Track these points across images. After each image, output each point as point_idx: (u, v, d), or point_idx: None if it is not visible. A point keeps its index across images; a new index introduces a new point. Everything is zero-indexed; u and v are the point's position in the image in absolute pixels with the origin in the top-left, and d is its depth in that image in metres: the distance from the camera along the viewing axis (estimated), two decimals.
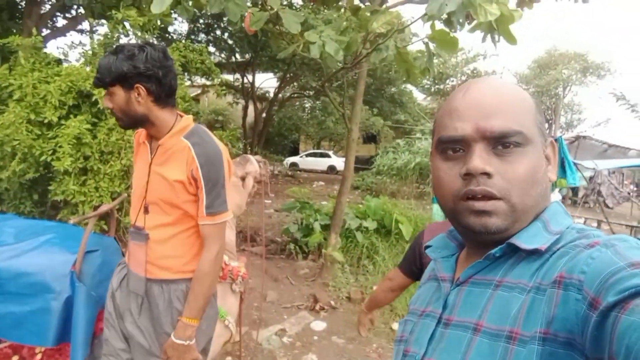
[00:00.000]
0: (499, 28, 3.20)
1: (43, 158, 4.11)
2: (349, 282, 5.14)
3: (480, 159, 0.67)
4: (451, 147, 0.71)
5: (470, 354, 0.64)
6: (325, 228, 5.80)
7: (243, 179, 2.26)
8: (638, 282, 0.49)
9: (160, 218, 1.61)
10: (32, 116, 4.23)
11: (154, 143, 1.64)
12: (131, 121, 1.61)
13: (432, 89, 22.93)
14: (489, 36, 3.36)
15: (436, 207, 6.50)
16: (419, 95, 23.01)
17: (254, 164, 2.32)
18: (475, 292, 0.70)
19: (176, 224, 1.61)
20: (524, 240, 0.67)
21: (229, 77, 17.39)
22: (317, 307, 4.40)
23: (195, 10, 3.32)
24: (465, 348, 0.65)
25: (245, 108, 17.75)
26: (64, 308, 1.78)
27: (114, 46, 1.60)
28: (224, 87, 15.77)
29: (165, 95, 1.59)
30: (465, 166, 0.68)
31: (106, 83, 1.55)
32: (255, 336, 3.51)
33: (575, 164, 8.04)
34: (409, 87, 18.86)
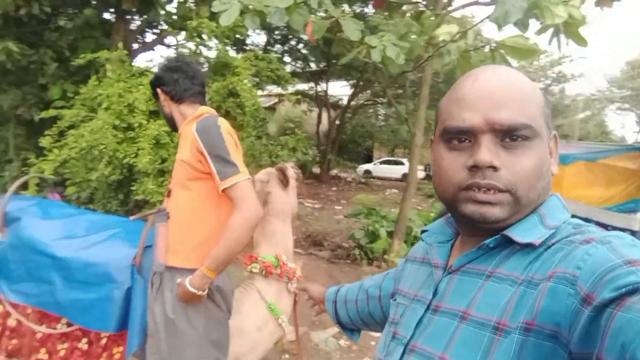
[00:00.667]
0: (567, 30, 3.01)
1: (126, 160, 4.48)
2: None
3: (488, 151, 0.66)
4: (457, 137, 0.70)
5: (454, 341, 0.65)
6: (391, 234, 5.74)
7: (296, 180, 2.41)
8: (635, 279, 0.49)
9: (174, 201, 1.76)
10: (117, 122, 4.64)
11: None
12: (168, 122, 1.88)
13: None
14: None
15: None
16: None
17: (291, 172, 2.42)
18: (466, 281, 0.70)
19: (184, 207, 1.74)
20: (519, 234, 0.66)
21: (303, 86, 17.83)
22: None
23: (260, 21, 3.45)
24: (451, 335, 0.65)
25: (319, 116, 18.08)
26: (124, 297, 1.91)
27: None
28: (298, 96, 16.21)
29: (178, 92, 1.81)
30: (472, 158, 0.67)
31: (157, 82, 1.86)
32: (312, 337, 3.56)
33: None
34: None
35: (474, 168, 0.67)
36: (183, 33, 5.90)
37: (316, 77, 16.77)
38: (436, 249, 0.81)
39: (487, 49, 3.57)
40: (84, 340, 2.00)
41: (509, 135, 0.66)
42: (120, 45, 5.46)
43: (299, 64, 16.78)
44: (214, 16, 5.90)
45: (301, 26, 3.49)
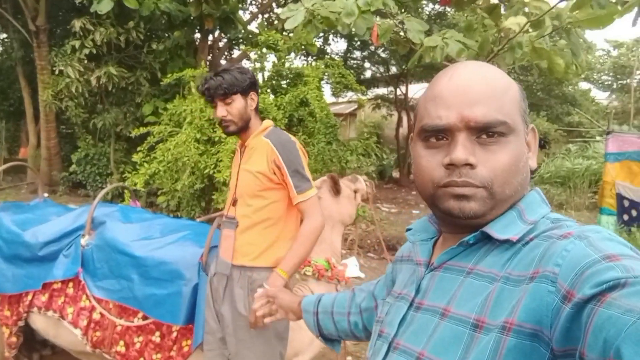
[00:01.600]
0: None
1: (207, 171, 4.83)
2: None
3: (463, 149, 0.66)
4: (434, 135, 0.70)
5: (434, 337, 0.66)
6: None
7: (355, 191, 2.47)
8: (614, 275, 0.49)
9: (243, 209, 1.88)
10: (199, 135, 5.02)
11: (243, 147, 1.95)
12: (244, 126, 1.90)
13: (614, 85, 19.84)
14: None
15: (605, 219, 5.69)
16: (597, 94, 20.16)
17: (362, 183, 2.51)
18: (447, 278, 0.71)
19: (256, 214, 1.87)
20: (497, 230, 0.67)
21: (383, 90, 17.72)
22: None
23: (324, 28, 3.56)
24: (431, 331, 0.67)
25: (399, 119, 17.85)
26: (192, 293, 2.09)
27: (214, 70, 1.99)
28: (377, 100, 16.14)
29: (257, 103, 1.94)
30: (448, 156, 0.68)
31: (232, 92, 1.85)
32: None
33: None
34: (587, 84, 16.76)
35: (451, 166, 0.67)
36: (264, 49, 6.22)
37: (395, 80, 16.59)
38: (419, 247, 0.81)
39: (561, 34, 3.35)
40: (157, 333, 2.18)
41: (485, 132, 0.67)
42: (203, 63, 5.88)
43: (379, 68, 16.72)
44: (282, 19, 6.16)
45: (364, 31, 3.54)
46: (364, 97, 7.06)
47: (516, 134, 0.68)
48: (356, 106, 18.75)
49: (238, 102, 1.86)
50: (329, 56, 13.64)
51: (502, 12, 4.19)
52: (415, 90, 18.34)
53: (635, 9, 2.90)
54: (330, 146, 5.44)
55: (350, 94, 12.77)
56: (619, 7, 2.94)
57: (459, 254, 0.72)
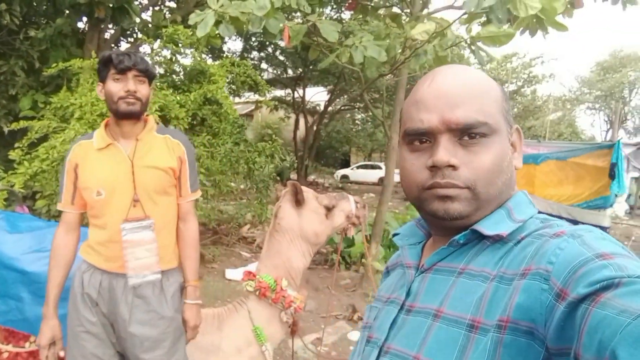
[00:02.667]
0: (545, 20, 3.08)
1: None
2: None
3: (445, 151, 0.67)
4: (417, 138, 0.71)
5: (428, 340, 0.64)
6: (369, 238, 5.76)
7: (328, 209, 2.15)
8: (609, 274, 0.49)
9: (151, 208, 1.73)
10: (90, 132, 4.54)
11: (127, 141, 1.75)
12: (143, 113, 1.77)
13: None
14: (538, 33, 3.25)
15: None
16: None
17: (350, 203, 2.23)
18: (438, 279, 0.70)
19: (165, 213, 1.77)
20: (487, 227, 0.67)
21: (280, 93, 17.83)
22: (355, 317, 4.37)
23: (235, 29, 3.44)
24: (425, 334, 0.65)
25: (296, 122, 18.09)
26: None
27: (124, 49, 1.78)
28: (275, 102, 16.19)
29: None
30: (431, 158, 0.68)
31: (147, 75, 1.73)
32: (290, 344, 3.53)
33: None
34: None
35: (434, 168, 0.68)
36: (158, 41, 5.84)
37: (293, 83, 16.78)
38: (408, 250, 0.81)
39: (462, 47, 3.63)
40: None
41: (467, 134, 0.67)
42: (93, 54, 5.37)
43: (277, 70, 16.78)
44: (189, 24, 5.90)
45: (277, 30, 3.49)
46: (265, 99, 6.97)
47: (498, 134, 0.69)
48: (253, 107, 18.66)
49: (147, 87, 1.75)
50: (224, 55, 13.37)
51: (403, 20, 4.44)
52: (313, 93, 18.81)
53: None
54: (238, 147, 5.28)
55: (247, 94, 12.62)
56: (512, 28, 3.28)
57: (449, 254, 0.71)
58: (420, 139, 0.71)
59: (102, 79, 1.72)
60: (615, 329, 0.44)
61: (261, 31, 3.43)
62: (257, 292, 1.97)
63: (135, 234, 1.70)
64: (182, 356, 1.78)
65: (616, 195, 7.05)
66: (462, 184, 0.67)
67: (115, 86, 1.68)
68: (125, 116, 1.70)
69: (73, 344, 1.71)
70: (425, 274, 0.73)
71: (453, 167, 0.67)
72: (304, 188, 2.12)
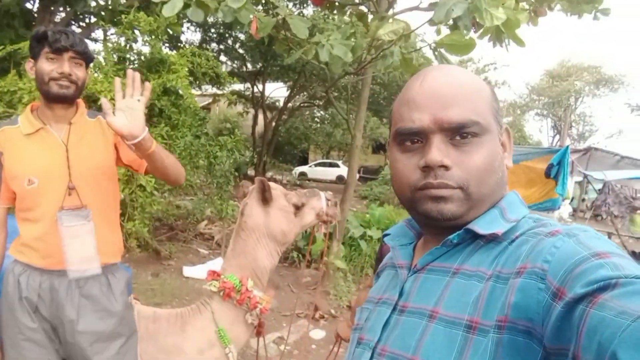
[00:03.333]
0: (506, 32, 3.17)
1: None
2: (350, 290, 5.10)
3: (438, 151, 0.67)
4: (409, 138, 0.71)
5: (424, 341, 0.63)
6: (331, 236, 5.77)
7: (297, 207, 2.07)
8: (606, 273, 0.48)
9: (89, 197, 1.62)
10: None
11: (59, 125, 1.64)
12: (77, 97, 1.66)
13: None
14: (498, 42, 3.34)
15: None
16: None
17: (321, 201, 2.13)
18: (432, 279, 0.69)
19: (106, 201, 1.68)
20: (481, 226, 0.67)
21: (239, 87, 17.54)
22: (317, 316, 4.36)
23: (204, 14, 3.32)
24: (420, 335, 0.64)
25: (255, 117, 17.88)
26: None
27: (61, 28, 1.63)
28: (234, 96, 15.92)
29: None
30: (423, 159, 0.68)
31: (84, 57, 1.62)
32: (253, 344, 3.47)
33: (585, 175, 7.95)
34: None
35: (426, 168, 0.68)
36: (112, 28, 5.59)
37: (253, 77, 16.55)
38: (399, 251, 0.80)
39: (427, 49, 3.68)
40: None
41: (459, 133, 0.67)
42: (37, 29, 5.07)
43: (236, 63, 16.48)
44: (146, 10, 5.66)
45: (247, 20, 3.41)
46: (225, 92, 6.83)
47: (490, 133, 0.69)
48: (210, 100, 18.27)
49: (84, 70, 1.64)
50: (182, 45, 13.01)
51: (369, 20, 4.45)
52: (272, 88, 18.62)
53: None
54: (199, 140, 5.13)
55: (205, 87, 12.33)
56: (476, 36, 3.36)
57: (443, 254, 0.71)
58: (412, 139, 0.71)
59: (34, 56, 1.59)
60: (615, 330, 0.43)
61: (222, 22, 3.35)
62: (221, 293, 1.88)
63: (72, 224, 1.58)
64: (133, 358, 1.69)
65: (562, 199, 7.41)
66: (454, 184, 0.67)
67: (48, 66, 1.55)
68: (56, 99, 1.59)
69: (12, 354, 1.57)
70: (418, 274, 0.72)
71: (445, 167, 0.67)
72: (272, 185, 2.05)
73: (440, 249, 0.70)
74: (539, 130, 46.67)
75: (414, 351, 0.63)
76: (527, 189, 7.45)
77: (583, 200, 11.45)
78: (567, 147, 6.65)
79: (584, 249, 0.54)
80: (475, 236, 0.68)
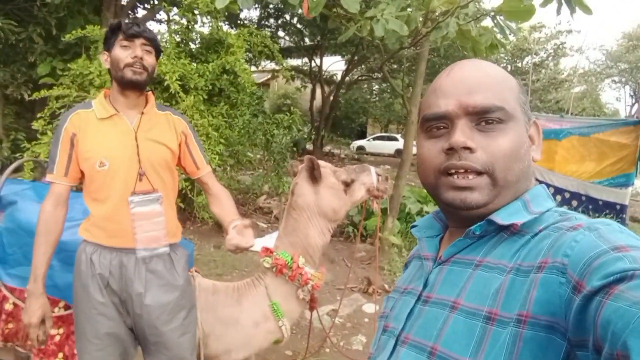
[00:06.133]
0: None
1: None
2: None
3: (462, 133, 0.68)
4: (435, 124, 0.72)
5: (445, 330, 0.65)
6: (386, 212, 5.77)
7: (346, 184, 2.07)
8: (623, 266, 0.49)
9: (158, 182, 1.74)
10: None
11: (131, 112, 1.73)
12: (147, 83, 1.74)
13: (510, 68, 21.59)
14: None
15: None
16: None
17: (371, 176, 2.10)
18: (455, 271, 0.71)
19: (170, 188, 1.79)
20: (503, 217, 0.67)
21: (297, 62, 17.60)
22: (370, 290, 4.43)
23: (253, 1, 3.37)
24: (442, 325, 0.66)
25: (313, 91, 17.92)
26: None
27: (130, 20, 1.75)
28: (292, 72, 16.00)
29: None
30: (447, 141, 0.69)
31: (154, 46, 1.73)
32: (308, 315, 3.61)
33: None
34: None
35: (451, 150, 0.69)
36: (175, 9, 5.77)
37: (310, 52, 16.53)
38: (425, 242, 0.82)
39: (486, 18, 3.53)
40: None
41: (484, 119, 0.68)
42: (110, 21, 5.34)
43: (294, 38, 16.51)
44: None
45: (297, 2, 3.42)
46: (283, 68, 6.90)
47: (515, 121, 0.70)
48: (269, 76, 18.49)
49: (153, 58, 1.73)
50: (241, 22, 13.16)
51: None
52: (330, 62, 18.53)
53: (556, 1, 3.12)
54: (256, 119, 5.28)
55: (264, 63, 12.47)
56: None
57: (467, 246, 0.72)
58: (438, 125, 0.72)
59: (108, 47, 1.69)
60: (628, 320, 0.44)
61: (280, 2, 3.36)
62: (274, 269, 1.96)
63: (144, 207, 1.69)
64: (193, 331, 1.82)
65: (637, 174, 6.92)
66: (480, 167, 0.67)
67: (123, 52, 1.64)
68: (130, 85, 1.66)
69: (86, 326, 1.71)
70: (442, 265, 0.74)
71: (470, 149, 0.67)
72: (321, 163, 2.06)
73: (464, 240, 0.71)
74: (616, 99, 43.23)
75: (435, 340, 0.65)
76: (598, 163, 7.02)
77: None
78: None
79: (604, 242, 0.54)
80: (499, 228, 0.68)
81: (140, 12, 10.28)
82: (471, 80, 0.70)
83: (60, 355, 2.00)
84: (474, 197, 0.68)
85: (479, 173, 0.68)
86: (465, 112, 0.69)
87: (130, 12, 9.94)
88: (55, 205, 1.71)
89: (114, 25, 1.67)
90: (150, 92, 1.82)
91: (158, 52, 1.77)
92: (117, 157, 1.67)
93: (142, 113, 1.73)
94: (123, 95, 1.70)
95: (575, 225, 0.60)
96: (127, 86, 1.67)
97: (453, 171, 0.69)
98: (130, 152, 1.68)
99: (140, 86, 1.70)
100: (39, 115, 4.43)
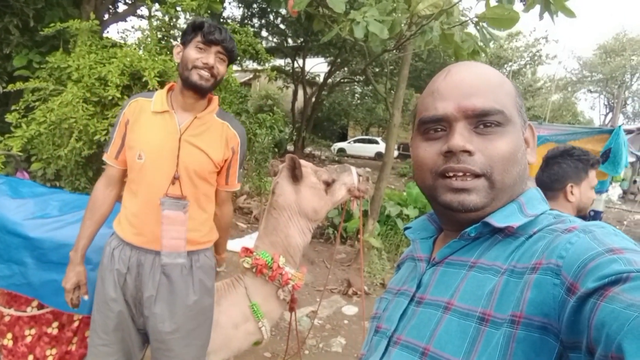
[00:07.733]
0: (555, 2, 3.03)
1: (97, 137, 4.32)
2: (384, 268, 5.13)
3: (461, 136, 0.68)
4: (432, 127, 0.72)
5: (438, 331, 0.65)
6: (366, 214, 5.79)
7: (327, 183, 2.06)
8: (618, 268, 0.49)
9: (189, 189, 1.68)
10: (88, 95, 4.45)
11: (184, 114, 1.69)
12: (211, 90, 1.70)
13: None
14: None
15: None
16: None
17: (352, 176, 2.11)
18: (449, 272, 0.71)
19: (203, 196, 1.74)
20: (498, 220, 0.67)
21: (280, 62, 17.53)
22: (350, 292, 4.43)
23: None
24: (435, 325, 0.66)
25: (295, 92, 17.89)
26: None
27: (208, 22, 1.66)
28: (275, 72, 15.93)
29: None
30: (446, 144, 0.69)
31: (230, 55, 1.69)
32: (286, 316, 3.59)
33: (638, 156, 7.58)
34: None
35: (449, 153, 0.69)
36: (157, 4, 5.67)
37: (293, 53, 16.50)
38: (419, 244, 0.82)
39: (469, 24, 3.57)
40: (55, 324, 1.94)
41: (483, 122, 0.68)
42: (92, 15, 5.22)
43: (277, 39, 16.46)
44: None
45: None
46: (266, 68, 6.85)
47: (513, 125, 0.70)
48: (251, 76, 18.38)
49: (225, 67, 1.69)
50: (224, 20, 13.05)
51: None
52: (313, 64, 18.53)
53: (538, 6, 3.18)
54: (240, 118, 5.21)
55: (246, 62, 12.40)
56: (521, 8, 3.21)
57: (461, 248, 0.72)
58: (435, 127, 0.72)
59: (184, 43, 1.66)
60: (622, 322, 0.44)
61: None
62: (254, 269, 1.94)
63: (173, 212, 1.66)
64: (201, 343, 1.77)
65: (611, 181, 7.09)
66: (478, 170, 0.67)
67: (196, 54, 1.62)
68: (192, 87, 1.63)
69: (98, 319, 1.72)
70: (436, 267, 0.74)
71: (469, 152, 0.67)
72: (302, 162, 2.05)
73: (459, 242, 0.71)
74: (590, 108, 44.38)
75: (427, 340, 0.65)
76: None
77: (634, 182, 10.92)
78: (620, 127, 6.35)
79: (598, 245, 0.54)
80: (494, 230, 0.68)
81: (121, 7, 10.12)
82: (469, 83, 0.70)
83: (31, 357, 1.93)
84: (472, 199, 0.68)
85: (477, 175, 0.68)
86: (464, 115, 0.69)
87: (110, 6, 9.76)
88: (107, 185, 1.75)
89: (197, 24, 1.63)
90: (215, 97, 1.77)
91: (233, 59, 1.73)
92: (154, 154, 1.64)
93: (196, 117, 1.68)
94: (182, 95, 1.68)
95: (570, 228, 0.60)
96: (190, 87, 1.64)
97: (451, 174, 0.69)
98: (169, 152, 1.65)
99: (202, 91, 1.66)
100: (13, 107, 4.30)
